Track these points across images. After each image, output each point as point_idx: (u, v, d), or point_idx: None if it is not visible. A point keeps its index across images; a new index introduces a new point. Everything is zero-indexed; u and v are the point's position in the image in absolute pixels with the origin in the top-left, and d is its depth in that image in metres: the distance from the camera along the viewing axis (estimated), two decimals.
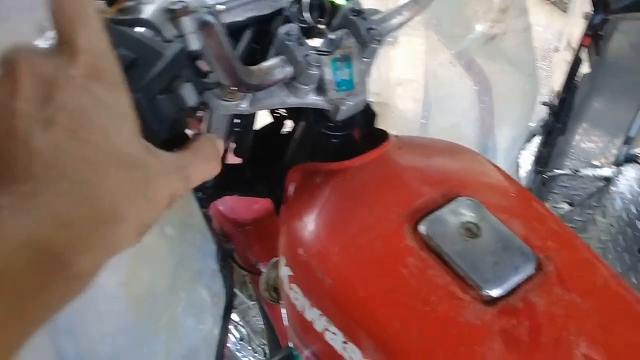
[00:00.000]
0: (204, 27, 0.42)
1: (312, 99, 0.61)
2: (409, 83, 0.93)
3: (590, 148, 1.69)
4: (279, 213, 0.86)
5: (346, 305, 0.54)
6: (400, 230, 0.56)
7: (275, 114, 0.83)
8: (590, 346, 0.48)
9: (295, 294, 0.60)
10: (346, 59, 0.60)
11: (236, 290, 1.29)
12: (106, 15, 0.39)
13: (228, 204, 1.00)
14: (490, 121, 0.96)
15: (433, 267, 0.53)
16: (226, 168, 0.79)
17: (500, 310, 0.50)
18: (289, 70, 0.57)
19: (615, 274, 0.54)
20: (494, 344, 0.48)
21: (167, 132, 0.38)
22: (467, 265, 0.52)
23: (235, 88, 0.57)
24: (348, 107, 0.62)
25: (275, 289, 0.83)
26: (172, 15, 0.39)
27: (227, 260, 0.98)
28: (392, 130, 0.85)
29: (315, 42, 0.60)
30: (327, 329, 0.56)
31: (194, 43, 0.41)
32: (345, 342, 0.55)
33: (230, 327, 1.47)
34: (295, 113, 0.74)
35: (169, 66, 0.36)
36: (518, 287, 0.52)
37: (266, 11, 0.65)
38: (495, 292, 0.51)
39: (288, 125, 0.84)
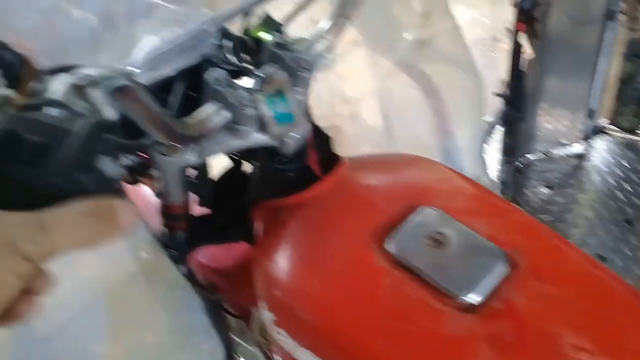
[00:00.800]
0: (120, 92, 0.41)
1: (257, 138, 0.60)
2: (367, 100, 0.93)
3: (556, 128, 1.70)
4: None
5: (331, 340, 0.52)
6: (369, 253, 0.55)
7: (232, 157, 0.82)
8: (577, 334, 0.47)
9: (282, 337, 0.58)
10: (280, 93, 0.60)
11: (239, 340, 1.26)
12: (15, 102, 0.38)
13: (208, 254, 0.98)
14: (445, 123, 0.96)
15: (407, 283, 0.52)
16: (194, 220, 0.78)
17: (482, 316, 0.49)
18: (226, 114, 0.56)
19: (586, 255, 0.54)
20: (482, 350, 0.47)
21: None
22: (440, 275, 0.51)
23: (174, 143, 0.56)
24: (294, 139, 0.61)
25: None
26: (79, 90, 0.38)
27: (218, 312, 0.96)
28: (363, 148, 0.84)
29: (247, 82, 0.60)
30: None
31: (109, 112, 0.40)
32: None
33: None
34: (247, 154, 0.73)
35: (82, 143, 0.35)
36: (495, 288, 0.51)
37: (192, 60, 0.65)
38: (473, 298, 0.50)
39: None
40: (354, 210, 0.60)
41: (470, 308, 0.50)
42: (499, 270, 0.51)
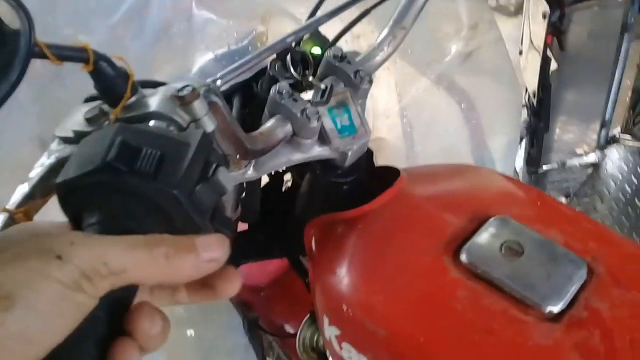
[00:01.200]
0: (210, 106, 0.40)
1: (318, 151, 0.59)
2: (391, 115, 0.93)
3: (571, 138, 1.72)
4: (296, 270, 0.83)
5: (407, 354, 0.51)
6: (441, 264, 0.54)
7: (271, 173, 0.81)
8: None
9: (348, 352, 0.57)
10: (342, 105, 0.59)
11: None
12: (112, 115, 0.37)
13: (242, 271, 0.96)
14: (480, 135, 0.96)
15: (486, 294, 0.51)
16: (238, 237, 0.77)
17: (567, 325, 0.48)
18: (288, 128, 0.56)
19: None
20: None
21: (205, 223, 0.35)
22: (520, 285, 0.50)
23: (239, 157, 0.56)
24: (354, 151, 0.60)
25: (313, 349, 0.79)
26: (182, 102, 0.37)
27: (254, 330, 0.94)
28: (380, 162, 0.84)
29: (306, 95, 0.59)
30: None
31: (209, 125, 0.39)
32: None
33: None
34: (298, 167, 0.72)
35: (197, 154, 0.34)
36: (576, 296, 0.50)
37: (249, 75, 0.65)
38: (557, 307, 0.49)
39: (287, 180, 0.83)
40: (419, 222, 0.59)
41: (553, 317, 0.49)
42: (579, 278, 0.51)
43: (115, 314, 0.31)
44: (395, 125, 0.92)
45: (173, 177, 0.32)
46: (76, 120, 0.40)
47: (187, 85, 0.38)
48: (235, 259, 0.79)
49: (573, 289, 0.50)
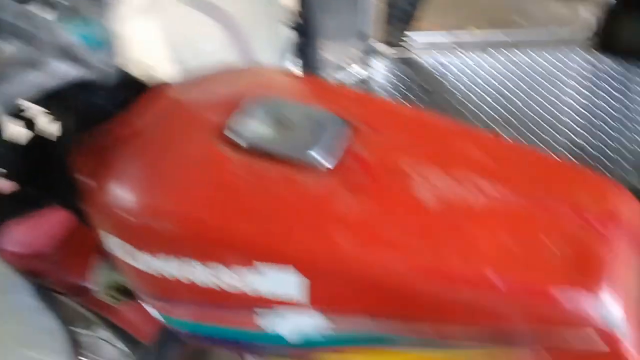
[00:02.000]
0: None
1: (67, 71, 0.55)
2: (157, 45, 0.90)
3: (335, 55, 1.84)
4: (78, 216, 0.77)
5: (202, 238, 0.52)
6: (214, 149, 0.55)
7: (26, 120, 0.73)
8: (414, 160, 0.54)
9: (146, 263, 0.56)
10: (87, 19, 0.56)
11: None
12: None
13: (18, 242, 0.88)
14: (248, 53, 0.98)
15: (265, 166, 0.53)
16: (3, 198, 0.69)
17: (340, 174, 0.53)
18: (20, 46, 0.51)
19: (411, 107, 0.62)
20: (343, 198, 0.51)
21: None
22: (295, 150, 0.54)
23: None
24: (113, 67, 0.58)
25: (117, 289, 0.76)
26: None
27: (49, 295, 0.89)
28: None
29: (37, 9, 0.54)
30: (191, 267, 0.54)
31: None
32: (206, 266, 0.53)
33: None
34: (56, 105, 0.66)
35: None
36: (343, 150, 0.55)
37: None
38: (329, 162, 0.53)
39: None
40: (188, 120, 0.60)
41: (328, 172, 0.53)
42: (343, 133, 0.56)
43: None
44: (163, 54, 0.89)
45: None
46: None
47: None
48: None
49: (340, 145, 0.55)
